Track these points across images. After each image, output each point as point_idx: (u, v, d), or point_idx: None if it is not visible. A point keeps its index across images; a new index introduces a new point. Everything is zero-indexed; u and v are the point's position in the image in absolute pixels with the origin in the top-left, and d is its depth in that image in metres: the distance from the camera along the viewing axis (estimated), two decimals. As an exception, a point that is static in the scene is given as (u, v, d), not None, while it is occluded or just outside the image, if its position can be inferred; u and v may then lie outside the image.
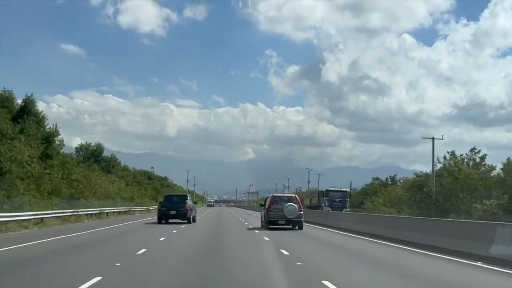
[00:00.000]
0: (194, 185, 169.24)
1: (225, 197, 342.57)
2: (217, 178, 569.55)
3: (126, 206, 62.06)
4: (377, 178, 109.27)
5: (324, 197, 75.85)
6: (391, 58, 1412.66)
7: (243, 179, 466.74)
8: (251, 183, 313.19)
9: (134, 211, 63.24)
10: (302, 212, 29.63)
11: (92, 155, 72.45)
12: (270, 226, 29.38)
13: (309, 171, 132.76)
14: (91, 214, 44.75)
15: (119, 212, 55.91)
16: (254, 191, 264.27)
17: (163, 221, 36.78)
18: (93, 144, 73.61)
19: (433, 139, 68.74)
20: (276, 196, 31.65)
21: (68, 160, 53.76)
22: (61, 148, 53.98)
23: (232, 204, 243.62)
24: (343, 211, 60.46)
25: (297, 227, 29.27)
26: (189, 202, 38.74)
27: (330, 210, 62.11)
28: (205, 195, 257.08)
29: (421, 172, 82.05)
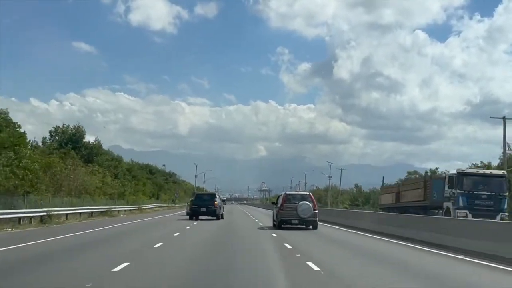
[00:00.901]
0: (204, 181, 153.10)
1: (236, 194, 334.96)
2: (229, 176, 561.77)
3: (106, 205, 45.74)
4: (413, 172, 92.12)
5: (456, 189, 32.05)
6: (404, 55, 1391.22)
7: (255, 177, 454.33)
8: (263, 181, 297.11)
9: (115, 211, 46.82)
10: (316, 211, 27.78)
11: (70, 141, 56.15)
12: (282, 226, 27.42)
13: (330, 165, 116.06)
14: (31, 217, 28.27)
15: (91, 213, 39.55)
16: (266, 188, 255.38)
17: (194, 217, 38.79)
18: (71, 126, 57.19)
19: (504, 119, 51.60)
20: (289, 194, 29.59)
21: (23, 141, 37.37)
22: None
23: (245, 202, 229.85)
24: (496, 218, 29.27)
25: (311, 227, 27.34)
26: (217, 200, 40.74)
27: (469, 216, 29.41)
28: (216, 193, 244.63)
29: (473, 164, 65.68)
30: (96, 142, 58.88)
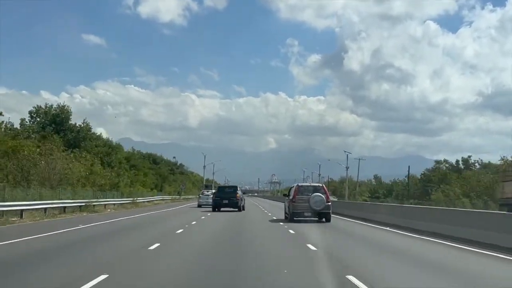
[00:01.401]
0: (213, 173, 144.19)
1: (247, 187, 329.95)
2: (239, 168, 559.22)
3: (93, 198, 37.00)
4: (443, 161, 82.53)
5: None
6: (414, 46, 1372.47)
7: (265, 169, 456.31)
8: (273, 173, 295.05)
9: (100, 205, 37.92)
10: (330, 203, 26.24)
11: (53, 122, 47.29)
12: (294, 218, 25.96)
13: (347, 154, 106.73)
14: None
15: (64, 210, 30.62)
16: (276, 181, 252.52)
17: (217, 209, 39.00)
18: (55, 106, 48.23)
19: None
20: (301, 186, 27.95)
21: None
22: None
23: (256, 194, 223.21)
24: None
25: (324, 219, 25.97)
26: (239, 192, 41.54)
27: None
28: (237, 186, 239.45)
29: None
30: (85, 124, 49.74)
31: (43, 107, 48.40)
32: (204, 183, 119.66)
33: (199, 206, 48.47)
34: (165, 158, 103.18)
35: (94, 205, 35.73)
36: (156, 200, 62.18)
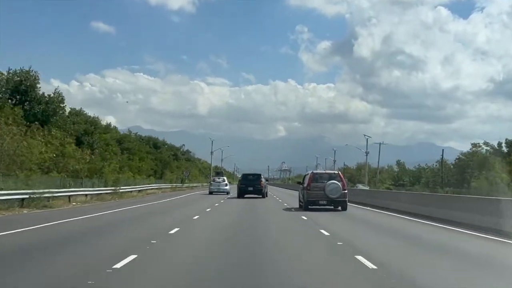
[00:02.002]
0: (222, 159, 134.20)
1: None
2: (249, 155, 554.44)
3: (60, 187, 26.91)
4: (480, 145, 71.24)
5: None
6: (425, 32, 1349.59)
7: (275, 157, 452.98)
8: (282, 160, 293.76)
9: (58, 198, 27.42)
10: (346, 191, 25.03)
11: (16, 92, 36.88)
12: (309, 207, 24.81)
13: (367, 138, 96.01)
14: None
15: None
16: (286, 168, 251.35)
17: (243, 196, 39.74)
18: (18, 71, 37.66)
19: None
20: (316, 173, 26.71)
21: None
22: None
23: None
24: None
25: (340, 208, 24.77)
26: (263, 180, 42.48)
27: None
28: (236, 173, 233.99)
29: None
30: (56, 94, 38.95)
31: (5, 73, 37.86)
32: (215, 170, 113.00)
33: (210, 193, 47.69)
34: (169, 143, 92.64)
35: (48, 198, 25.24)
36: (151, 189, 51.67)
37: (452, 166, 75.23)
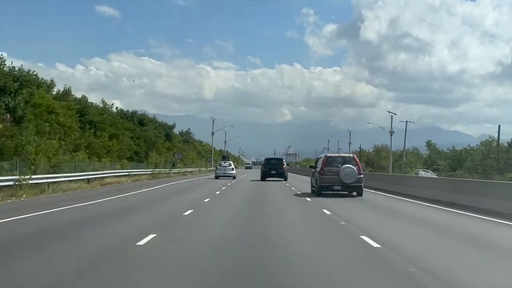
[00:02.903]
0: (225, 141, 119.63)
1: (263, 159, 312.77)
2: (255, 140, 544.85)
3: None
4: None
5: None
6: (432, 15, 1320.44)
7: (281, 141, 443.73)
8: (289, 144, 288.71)
9: None
10: (362, 176, 23.47)
11: None
12: (322, 192, 23.54)
13: (392, 116, 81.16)
14: None
15: None
16: (292, 152, 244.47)
17: (266, 178, 41.23)
18: None
19: None
20: (330, 157, 24.91)
21: None
22: None
23: None
24: None
25: (355, 193, 23.39)
26: (285, 164, 45.17)
27: None
28: (241, 157, 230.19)
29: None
30: None
31: None
32: (221, 154, 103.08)
33: (217, 177, 46.10)
34: (160, 120, 77.17)
35: None
36: (114, 176, 35.90)
37: (505, 149, 59.40)
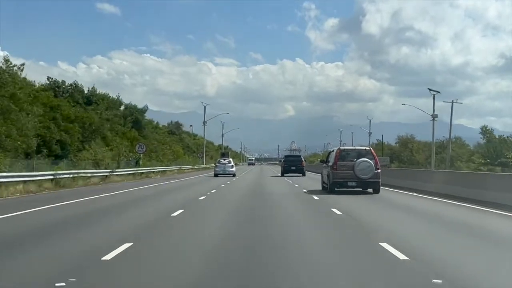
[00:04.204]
0: (223, 134, 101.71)
1: (266, 155, 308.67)
2: (258, 136, 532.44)
3: None
4: None
5: None
6: (435, 8, 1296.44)
7: (284, 137, 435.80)
8: (292, 140, 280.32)
9: None
10: (379, 171, 21.31)
11: None
12: (336, 189, 21.42)
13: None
14: None
15: None
16: (296, 148, 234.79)
17: (285, 174, 44.12)
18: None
19: None
20: (344, 150, 22.65)
21: None
22: None
23: (278, 162, 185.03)
24: None
25: (371, 190, 21.33)
26: (303, 160, 47.82)
27: None
28: (243, 152, 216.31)
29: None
30: None
31: None
32: (220, 150, 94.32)
33: (216, 175, 42.72)
34: (129, 102, 56.14)
35: None
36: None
37: None
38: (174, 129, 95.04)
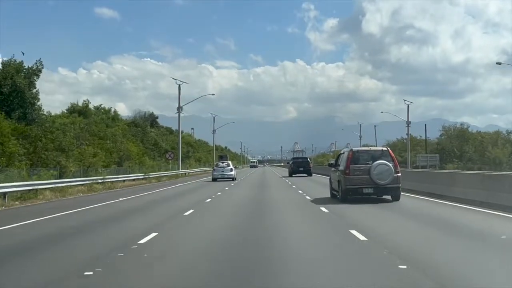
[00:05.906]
0: (214, 130, 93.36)
1: (269, 157, 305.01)
2: (260, 138, 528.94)
3: None
4: None
5: None
6: (435, 6, 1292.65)
7: (286, 138, 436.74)
8: (295, 141, 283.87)
9: None
10: (399, 174, 18.37)
11: None
12: (349, 197, 18.26)
13: None
14: None
15: None
16: (299, 149, 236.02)
17: (293, 175, 47.33)
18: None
19: None
20: (357, 151, 19.33)
21: None
22: None
23: (282, 164, 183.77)
24: None
25: (391, 197, 18.35)
26: (310, 162, 52.09)
27: None
28: (245, 154, 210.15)
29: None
30: None
31: None
32: (218, 152, 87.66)
33: (214, 179, 40.95)
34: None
35: None
36: None
37: None
38: (142, 122, 69.19)
